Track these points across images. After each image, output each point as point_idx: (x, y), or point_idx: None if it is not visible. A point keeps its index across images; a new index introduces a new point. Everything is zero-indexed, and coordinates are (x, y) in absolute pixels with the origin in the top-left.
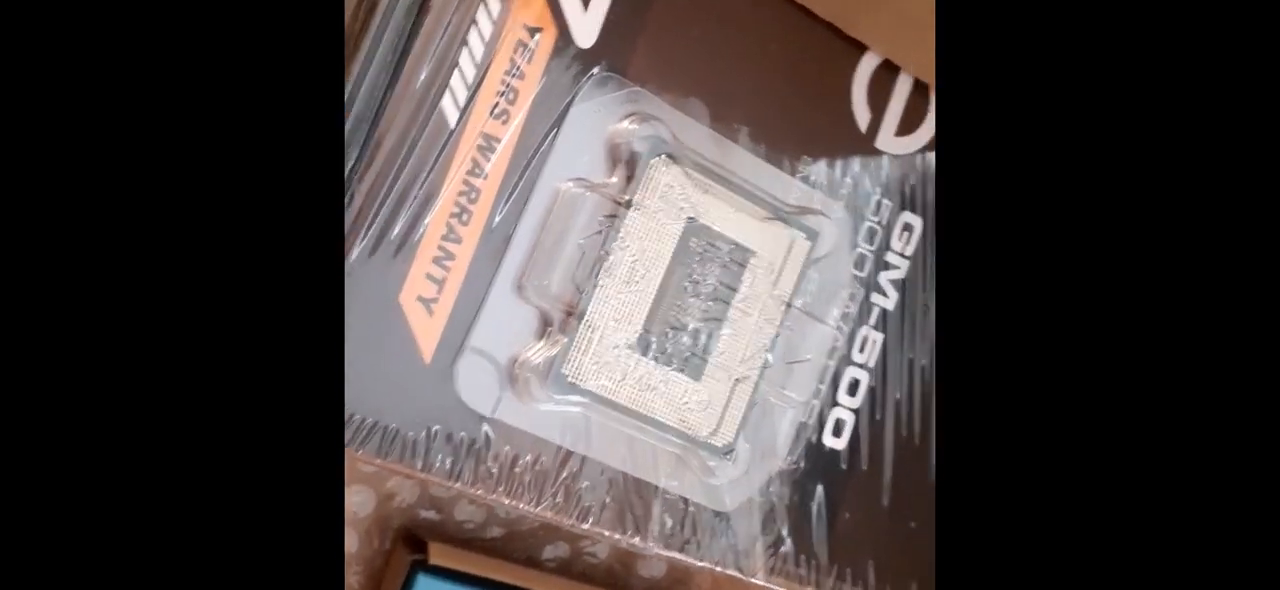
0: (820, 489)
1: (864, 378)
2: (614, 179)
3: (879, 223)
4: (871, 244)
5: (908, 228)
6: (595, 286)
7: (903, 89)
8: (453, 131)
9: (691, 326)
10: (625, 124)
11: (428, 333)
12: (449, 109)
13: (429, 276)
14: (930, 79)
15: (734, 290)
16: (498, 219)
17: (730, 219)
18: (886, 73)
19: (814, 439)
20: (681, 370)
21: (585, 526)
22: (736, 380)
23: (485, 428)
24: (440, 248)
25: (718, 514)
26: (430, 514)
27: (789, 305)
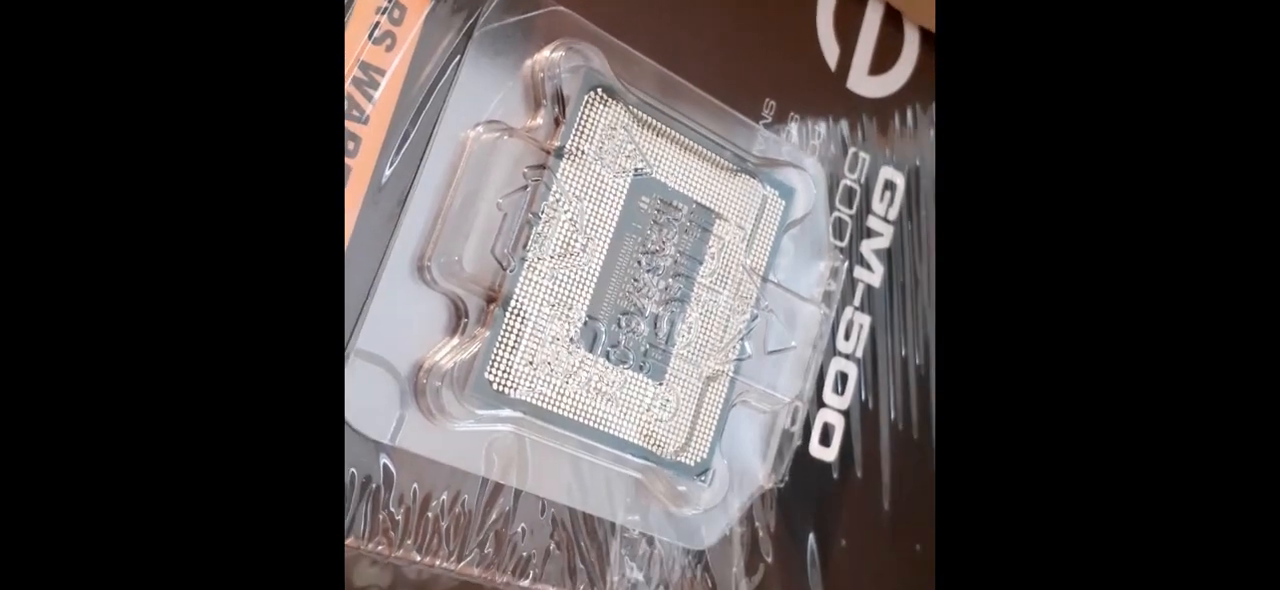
0: (811, 513)
1: (852, 371)
2: (538, 121)
3: (857, 181)
4: (850, 206)
5: (889, 186)
6: (522, 261)
7: (872, 20)
8: None
9: (649, 311)
10: (548, 52)
11: None
12: None
13: None
14: (899, 6)
15: (698, 262)
16: (387, 175)
17: (688, 171)
18: (854, 1)
19: (799, 449)
20: (640, 368)
21: (524, 584)
22: (708, 378)
23: (383, 460)
24: None
25: (690, 553)
26: None
27: (766, 279)
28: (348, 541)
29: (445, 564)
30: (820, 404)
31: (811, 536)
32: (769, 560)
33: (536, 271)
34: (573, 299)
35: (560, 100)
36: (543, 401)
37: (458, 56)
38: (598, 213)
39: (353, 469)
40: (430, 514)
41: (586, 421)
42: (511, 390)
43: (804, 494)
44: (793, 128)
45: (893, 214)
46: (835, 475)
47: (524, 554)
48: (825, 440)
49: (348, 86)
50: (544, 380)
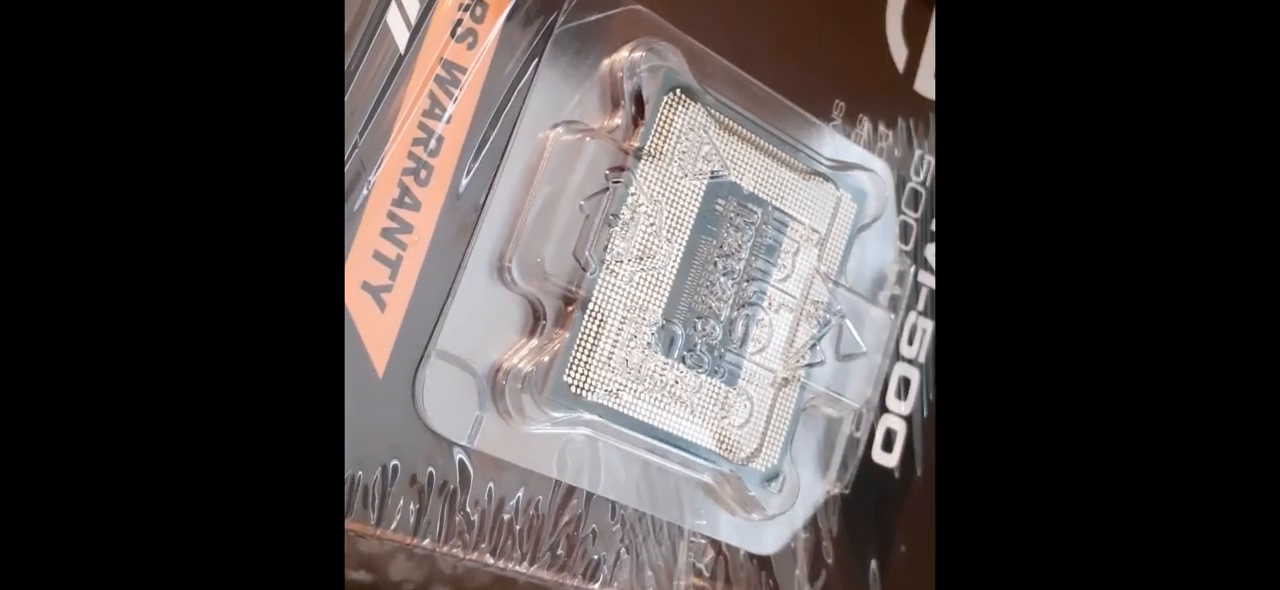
0: (872, 518)
1: (915, 376)
2: (616, 121)
3: (923, 184)
4: (916, 210)
5: None
6: (601, 263)
7: None
8: (402, 58)
9: (724, 315)
10: (627, 52)
11: (379, 334)
12: (397, 26)
13: (378, 256)
14: None
15: (772, 265)
16: (467, 177)
17: (763, 173)
18: (922, 2)
19: (862, 455)
20: (714, 373)
21: (593, 587)
22: (780, 383)
23: (460, 458)
24: (392, 216)
25: (754, 557)
26: (359, 575)
27: (837, 283)
28: (423, 543)
29: (519, 567)
30: (883, 409)
31: (873, 541)
32: (830, 563)
33: (615, 273)
34: (649, 302)
35: (639, 100)
36: (618, 405)
37: (537, 57)
38: (675, 214)
39: (431, 469)
40: (505, 516)
41: (661, 426)
42: (588, 393)
43: (867, 499)
44: (862, 129)
45: None
46: (897, 487)
47: (594, 557)
48: (887, 446)
49: (429, 86)
50: (620, 384)
